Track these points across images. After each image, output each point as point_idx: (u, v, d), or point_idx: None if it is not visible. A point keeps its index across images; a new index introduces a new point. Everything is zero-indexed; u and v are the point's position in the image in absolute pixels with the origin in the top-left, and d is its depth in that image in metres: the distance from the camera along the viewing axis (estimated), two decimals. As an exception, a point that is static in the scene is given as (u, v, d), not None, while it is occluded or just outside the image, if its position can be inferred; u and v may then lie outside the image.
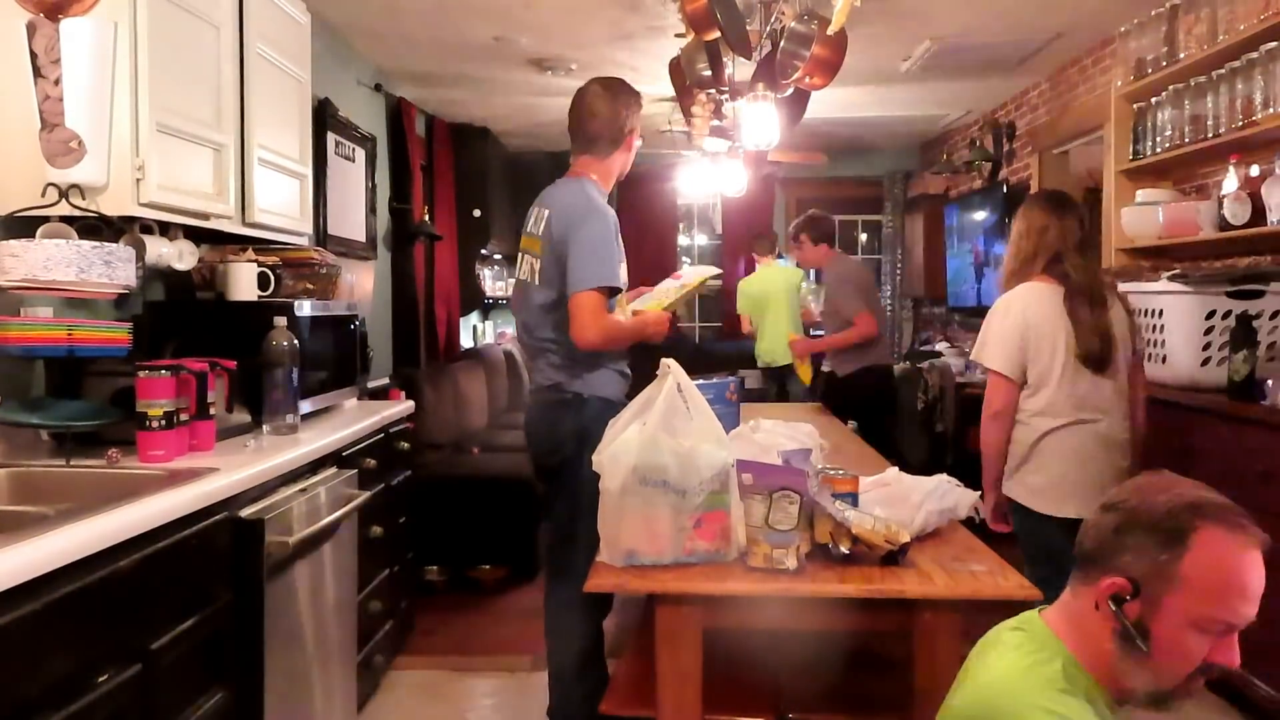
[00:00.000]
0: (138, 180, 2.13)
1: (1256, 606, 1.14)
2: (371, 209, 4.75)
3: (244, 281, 2.74)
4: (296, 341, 2.51)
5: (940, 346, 6.17)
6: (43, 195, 2.01)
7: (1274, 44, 2.91)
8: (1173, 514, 1.14)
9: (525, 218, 2.60)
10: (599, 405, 2.41)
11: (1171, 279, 3.15)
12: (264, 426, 2.50)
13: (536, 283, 2.48)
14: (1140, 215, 3.68)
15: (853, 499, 1.99)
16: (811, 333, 5.85)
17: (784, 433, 2.21)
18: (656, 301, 2.65)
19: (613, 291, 2.40)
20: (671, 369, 1.94)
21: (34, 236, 2.02)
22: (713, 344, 7.92)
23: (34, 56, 1.90)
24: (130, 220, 2.27)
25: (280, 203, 2.85)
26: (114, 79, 2.05)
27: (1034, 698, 1.15)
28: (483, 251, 6.32)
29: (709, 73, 3.50)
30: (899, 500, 2.09)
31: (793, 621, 1.87)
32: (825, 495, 1.93)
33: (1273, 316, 2.98)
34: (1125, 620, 1.14)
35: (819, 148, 6.43)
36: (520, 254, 2.61)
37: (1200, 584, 1.12)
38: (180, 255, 2.57)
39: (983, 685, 1.23)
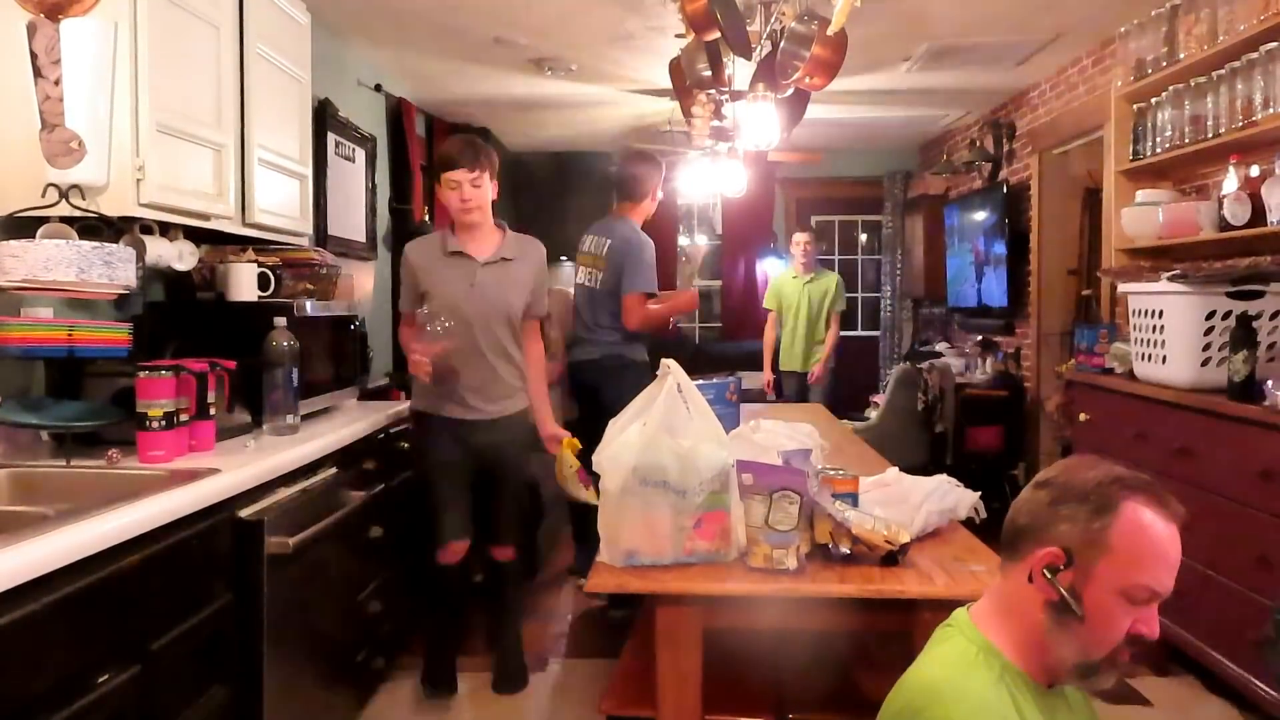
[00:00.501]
0: (138, 180, 2.13)
1: (1174, 577, 1.20)
2: (371, 209, 4.75)
3: (244, 281, 2.74)
4: (296, 341, 2.51)
5: (940, 347, 6.17)
6: (43, 195, 2.01)
7: (1274, 44, 2.91)
8: (1101, 486, 1.21)
9: (582, 241, 3.85)
10: (640, 365, 3.73)
11: (1171, 279, 3.15)
12: (264, 426, 2.50)
13: (599, 286, 3.71)
14: (1140, 215, 3.67)
15: (852, 499, 1.99)
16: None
17: (784, 433, 2.21)
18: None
19: (649, 295, 3.67)
20: (671, 369, 1.95)
21: (34, 237, 2.02)
22: (712, 344, 7.92)
23: (34, 56, 1.90)
24: (130, 220, 2.27)
25: (280, 203, 2.85)
26: (114, 79, 2.05)
27: (945, 685, 1.22)
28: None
29: (709, 73, 3.50)
30: (899, 500, 2.09)
31: (793, 621, 1.87)
32: (825, 495, 1.93)
33: (1273, 317, 2.97)
34: (1059, 587, 1.20)
35: (819, 148, 6.44)
36: (579, 265, 3.86)
37: (1127, 551, 1.18)
38: (180, 255, 2.57)
39: (906, 684, 1.29)
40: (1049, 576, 1.21)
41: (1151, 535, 1.19)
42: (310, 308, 2.78)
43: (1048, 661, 1.24)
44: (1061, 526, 1.21)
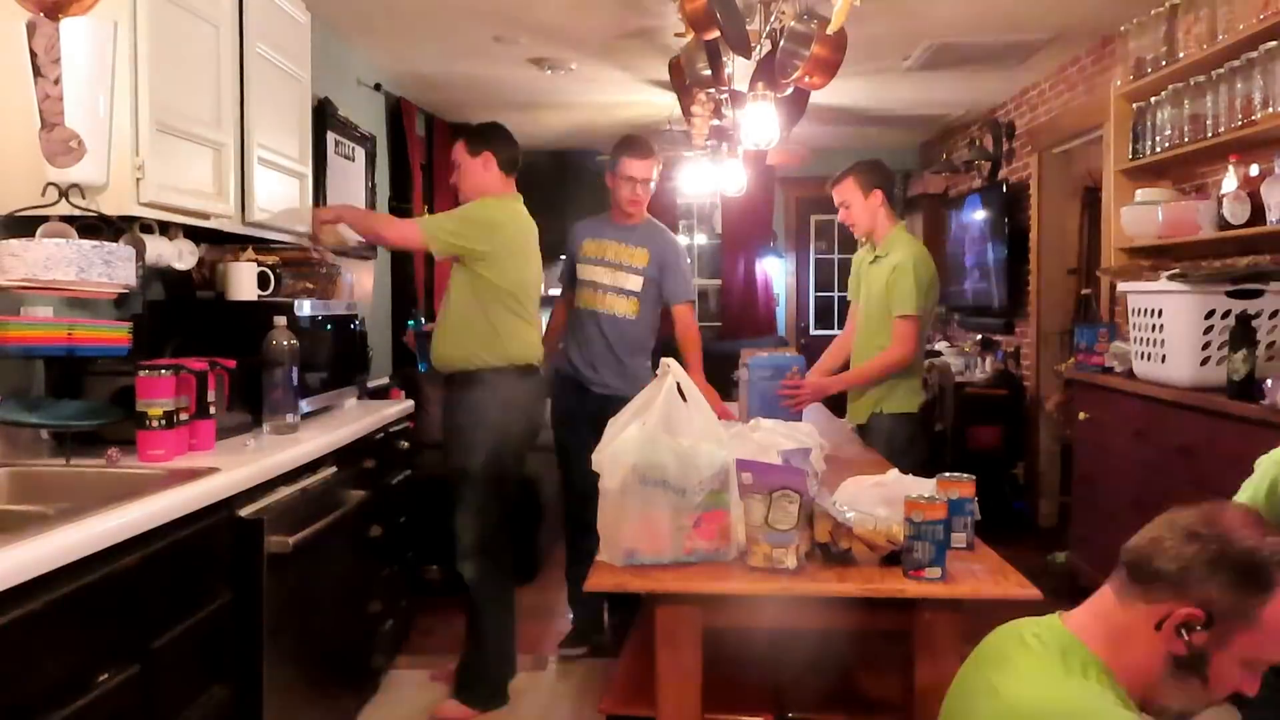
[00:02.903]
0: (138, 180, 2.12)
1: None
2: (371, 208, 4.75)
3: (244, 281, 2.74)
4: (296, 341, 2.51)
5: (940, 346, 6.17)
6: (43, 195, 2.00)
7: (1273, 44, 2.91)
8: (1269, 561, 1.18)
9: (583, 244, 3.50)
10: None
11: (1171, 279, 3.15)
12: (264, 426, 2.50)
13: (636, 312, 3.49)
14: (1140, 215, 3.68)
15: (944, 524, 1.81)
16: None
17: (783, 432, 2.21)
18: None
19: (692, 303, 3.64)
20: (671, 368, 1.95)
21: (34, 236, 2.01)
22: (711, 343, 7.91)
23: (34, 56, 1.90)
24: (130, 220, 2.27)
25: (280, 202, 2.85)
26: (114, 79, 2.05)
27: (1080, 707, 1.18)
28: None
29: (709, 72, 3.50)
30: (899, 500, 2.09)
31: (793, 621, 1.87)
32: (825, 495, 1.93)
33: (1272, 316, 2.98)
34: (1193, 648, 1.17)
35: (818, 147, 6.44)
36: (598, 287, 3.45)
37: (1272, 630, 1.17)
38: (180, 255, 2.56)
39: (1029, 700, 1.22)
40: (1184, 635, 1.18)
41: None
42: (310, 307, 2.78)
43: (1146, 696, 1.23)
44: (1212, 590, 1.18)
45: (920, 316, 3.17)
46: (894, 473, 2.29)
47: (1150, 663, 1.21)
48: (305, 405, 2.68)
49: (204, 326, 2.62)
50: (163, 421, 2.09)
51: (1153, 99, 3.63)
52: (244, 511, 2.02)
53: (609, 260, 3.41)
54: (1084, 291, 5.15)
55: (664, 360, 1.96)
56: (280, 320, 2.50)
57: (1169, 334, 3.17)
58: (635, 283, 3.41)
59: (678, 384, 1.93)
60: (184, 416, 2.16)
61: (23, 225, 2.08)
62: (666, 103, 5.19)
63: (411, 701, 2.98)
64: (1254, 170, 3.18)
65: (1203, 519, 1.23)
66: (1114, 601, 1.25)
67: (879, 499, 2.08)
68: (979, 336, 5.89)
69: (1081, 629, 1.26)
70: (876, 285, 3.29)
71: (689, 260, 3.09)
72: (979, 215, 5.90)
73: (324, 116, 4.03)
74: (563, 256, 3.60)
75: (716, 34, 2.86)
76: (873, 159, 3.43)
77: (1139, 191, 3.74)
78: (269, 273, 2.84)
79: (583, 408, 3.32)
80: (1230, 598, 1.17)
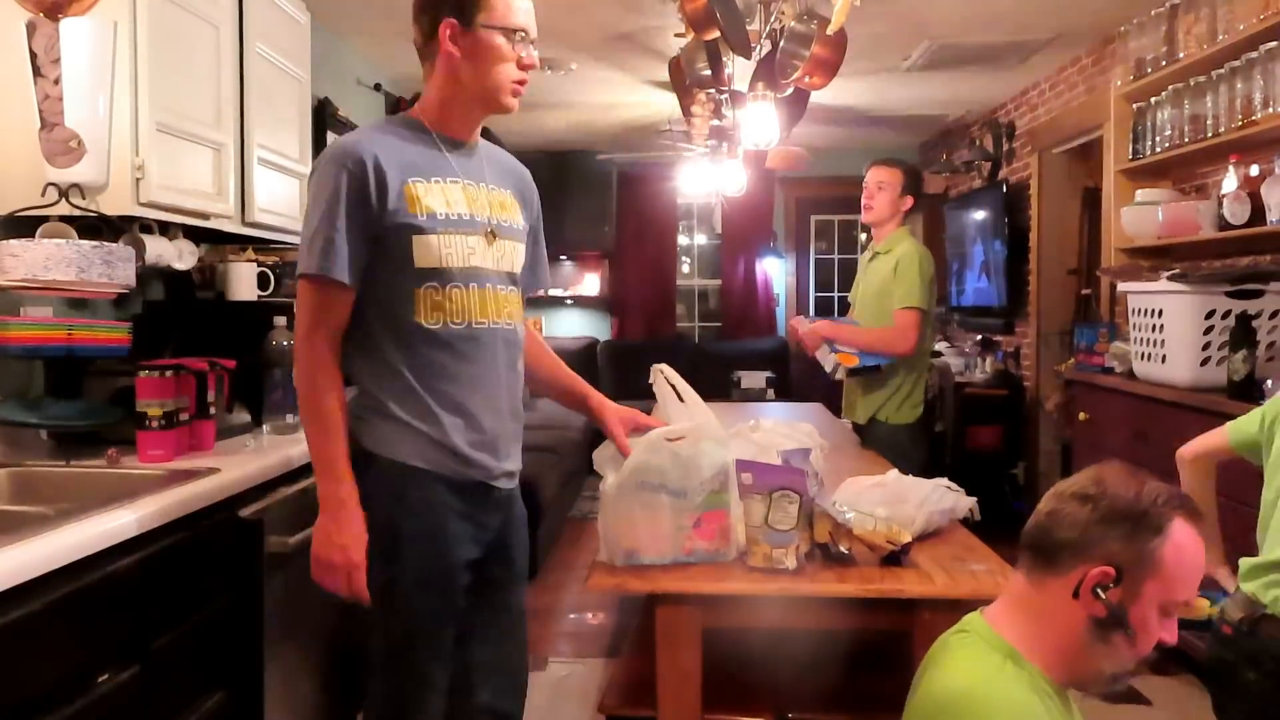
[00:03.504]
0: (137, 180, 2.13)
1: None
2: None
3: (244, 281, 2.75)
4: (296, 341, 2.51)
5: (940, 346, 6.17)
6: (43, 195, 2.01)
7: (1273, 44, 2.91)
8: (1155, 505, 1.22)
9: None
10: None
11: (1171, 279, 3.15)
12: (264, 426, 2.50)
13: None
14: (1140, 215, 3.68)
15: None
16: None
17: (783, 432, 2.21)
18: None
19: None
20: (663, 372, 1.95)
21: (34, 236, 2.02)
22: (711, 343, 7.93)
23: (34, 56, 1.90)
24: (130, 220, 2.27)
25: (280, 202, 2.85)
26: (114, 79, 2.05)
27: (979, 692, 1.21)
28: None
29: (709, 72, 3.50)
30: (898, 500, 2.09)
31: (793, 621, 1.87)
32: (825, 495, 1.93)
33: (1272, 316, 2.98)
34: (1111, 605, 1.20)
35: (818, 147, 6.43)
36: None
37: (1174, 569, 1.21)
38: (180, 255, 2.57)
39: (931, 695, 1.27)
40: (1100, 595, 1.21)
41: (1193, 552, 1.22)
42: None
43: (1080, 671, 1.25)
44: (1112, 545, 1.21)
45: (924, 310, 3.19)
46: (894, 473, 2.29)
47: (1073, 634, 1.23)
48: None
49: (204, 326, 2.62)
50: (163, 422, 2.09)
51: (1153, 99, 3.63)
52: (244, 512, 2.02)
53: (478, 218, 1.72)
54: (1084, 292, 5.15)
55: (654, 367, 1.96)
56: (280, 320, 2.50)
57: (1169, 334, 3.17)
58: (518, 258, 1.82)
59: (673, 386, 1.93)
60: (184, 417, 2.16)
61: (23, 225, 2.08)
62: (666, 103, 5.19)
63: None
64: (1254, 170, 3.18)
65: (1088, 481, 1.28)
66: (1025, 585, 1.28)
67: (879, 499, 2.08)
68: (979, 336, 5.89)
69: (994, 620, 1.30)
70: (874, 280, 3.33)
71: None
72: (979, 215, 5.90)
73: (324, 116, 4.03)
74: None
75: (716, 34, 2.86)
76: (917, 168, 3.54)
77: (1139, 192, 3.74)
78: (269, 273, 2.84)
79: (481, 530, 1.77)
80: (1131, 548, 1.21)
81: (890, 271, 3.22)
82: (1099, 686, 1.26)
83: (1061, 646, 1.24)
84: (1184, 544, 1.21)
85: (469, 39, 1.66)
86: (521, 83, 1.73)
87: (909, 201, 3.36)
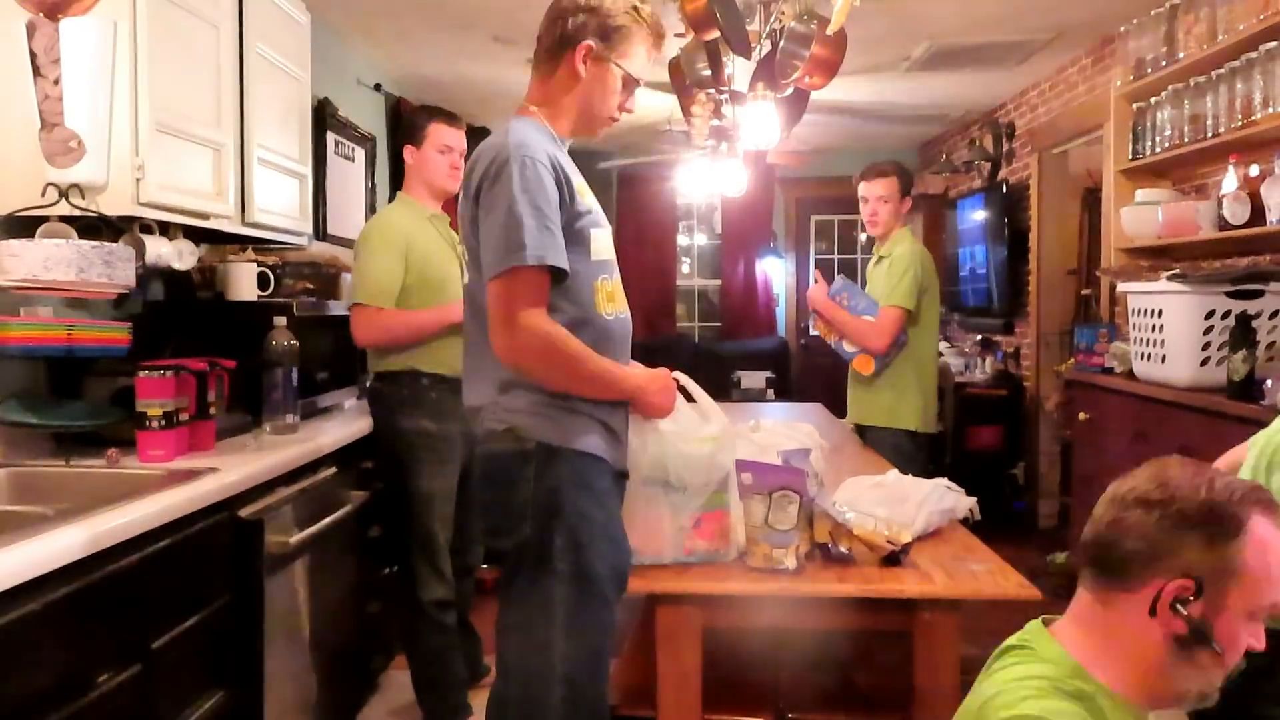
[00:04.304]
0: (137, 180, 2.13)
1: None
2: (371, 208, 4.74)
3: (244, 281, 2.74)
4: (296, 341, 2.51)
5: (940, 346, 6.17)
6: (42, 195, 2.00)
7: (1273, 44, 2.91)
8: (1228, 504, 1.10)
9: None
10: None
11: (1171, 279, 3.15)
12: (264, 426, 2.50)
13: None
14: (1140, 215, 3.67)
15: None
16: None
17: (784, 433, 2.21)
18: None
19: None
20: (678, 379, 1.94)
21: (33, 236, 2.01)
22: (712, 343, 7.92)
23: (33, 56, 1.89)
24: (130, 220, 2.27)
25: (280, 202, 2.85)
26: (114, 79, 2.05)
27: (1014, 706, 1.10)
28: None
29: (709, 73, 3.49)
30: (898, 500, 2.09)
31: (792, 621, 1.87)
32: (825, 495, 1.93)
33: (1272, 316, 2.97)
34: (1194, 621, 1.09)
35: (818, 147, 6.44)
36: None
37: (1259, 572, 1.09)
38: (180, 255, 2.56)
39: (985, 715, 1.15)
40: (1181, 610, 1.09)
41: (1276, 548, 1.10)
42: (310, 307, 2.78)
43: (1160, 691, 1.14)
44: (1188, 553, 1.09)
45: (908, 310, 3.21)
46: (894, 473, 2.29)
47: (1151, 653, 1.11)
48: (305, 405, 2.68)
49: (204, 326, 2.62)
50: (163, 422, 2.09)
51: (1153, 99, 3.63)
52: (244, 512, 2.02)
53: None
54: (1084, 292, 5.15)
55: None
56: (280, 320, 2.50)
57: (1169, 334, 3.17)
58: None
59: (681, 387, 1.93)
60: (184, 417, 2.16)
61: (23, 225, 2.08)
62: (666, 103, 5.19)
63: (410, 701, 2.98)
64: (1254, 170, 3.18)
65: (1150, 483, 1.15)
66: (1093, 603, 1.16)
67: (879, 499, 2.08)
68: (979, 337, 5.89)
69: (1063, 635, 1.18)
70: (879, 286, 3.36)
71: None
72: (979, 215, 5.90)
73: (324, 116, 4.03)
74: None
75: (716, 34, 2.86)
76: (905, 165, 3.53)
77: (1139, 192, 3.74)
78: (269, 273, 2.84)
79: None
80: (1210, 555, 1.09)
81: (886, 272, 3.29)
82: (1184, 705, 1.16)
83: (1139, 668, 1.12)
84: (1268, 541, 1.09)
85: (599, 68, 1.77)
86: (615, 120, 1.88)
87: (908, 203, 3.44)
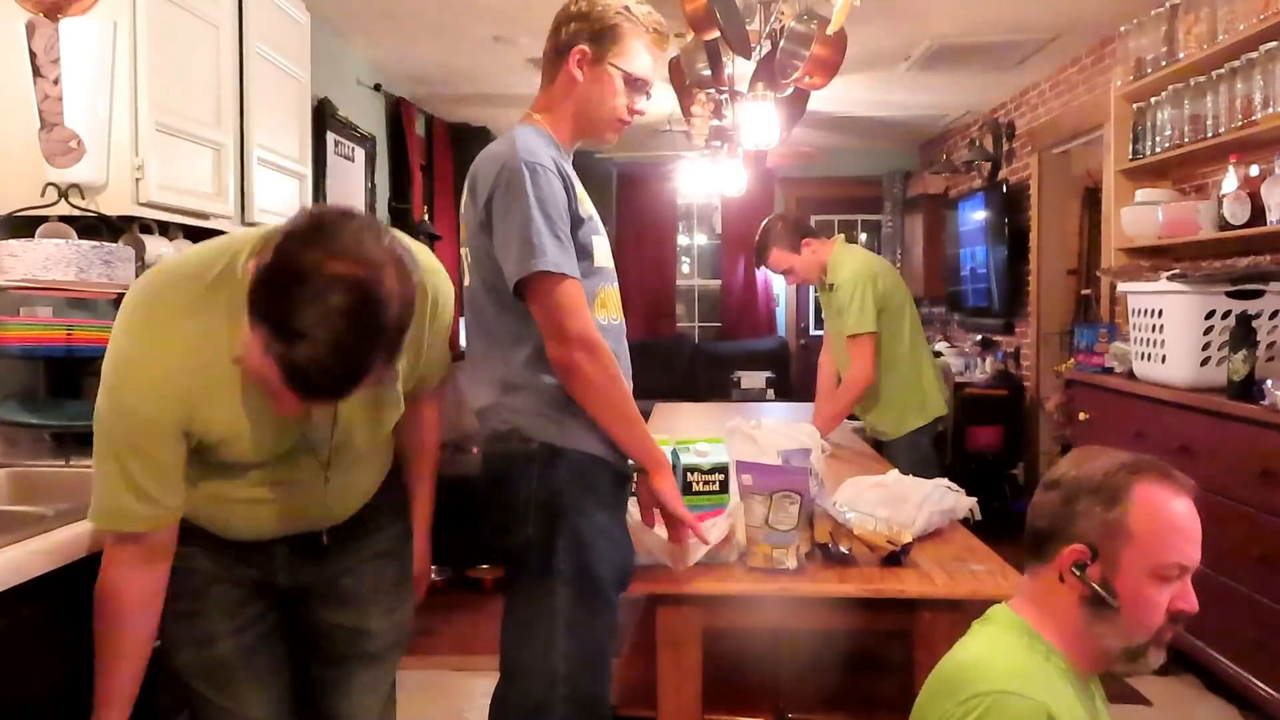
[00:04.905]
0: (137, 180, 2.13)
1: (1199, 548, 1.23)
2: (370, 209, 4.75)
3: (243, 281, 2.74)
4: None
5: (940, 346, 6.17)
6: (42, 195, 2.00)
7: (1274, 44, 2.91)
8: (1109, 475, 1.24)
9: None
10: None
11: (1171, 279, 3.15)
12: (264, 426, 2.49)
13: None
14: (1140, 215, 3.67)
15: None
16: None
17: (784, 433, 2.21)
18: None
19: None
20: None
21: (33, 236, 2.01)
22: (711, 343, 7.93)
23: (33, 56, 1.90)
24: (130, 220, 2.26)
25: (280, 202, 2.85)
26: (113, 79, 2.05)
27: (1002, 675, 1.20)
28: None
29: (709, 73, 3.50)
30: (898, 501, 2.09)
31: (793, 621, 1.87)
32: (825, 495, 1.93)
33: (1272, 316, 2.98)
34: (1091, 583, 1.22)
35: (818, 147, 6.44)
36: None
37: (1148, 533, 1.21)
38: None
39: (945, 667, 1.28)
40: (1078, 574, 1.22)
41: (1167, 513, 1.22)
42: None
43: (1092, 652, 1.25)
44: (1080, 523, 1.23)
45: (872, 332, 3.19)
46: (894, 473, 2.29)
47: (1071, 617, 1.24)
48: (305, 405, 2.67)
49: (204, 327, 2.61)
50: (162, 422, 2.08)
51: (1153, 99, 3.63)
52: (244, 512, 2.01)
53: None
54: (1084, 292, 5.15)
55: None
56: (280, 320, 2.49)
57: (1169, 334, 3.17)
58: None
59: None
60: (184, 417, 2.15)
61: (23, 225, 2.08)
62: (666, 103, 5.19)
63: (412, 701, 2.97)
64: (1254, 170, 3.18)
65: (1059, 467, 1.31)
66: (1029, 580, 1.32)
67: (879, 499, 2.08)
68: (979, 337, 5.89)
69: (1017, 610, 1.30)
70: (834, 315, 3.38)
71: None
72: (979, 215, 5.90)
73: (324, 116, 4.04)
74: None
75: (716, 34, 2.86)
76: (769, 219, 3.44)
77: (1139, 192, 3.74)
78: (269, 273, 2.83)
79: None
80: (1097, 522, 1.22)
81: (842, 302, 3.25)
82: (1119, 666, 1.26)
83: (1067, 630, 1.25)
84: (1155, 505, 1.21)
85: (595, 71, 1.75)
86: (625, 122, 1.82)
87: (810, 242, 3.34)
